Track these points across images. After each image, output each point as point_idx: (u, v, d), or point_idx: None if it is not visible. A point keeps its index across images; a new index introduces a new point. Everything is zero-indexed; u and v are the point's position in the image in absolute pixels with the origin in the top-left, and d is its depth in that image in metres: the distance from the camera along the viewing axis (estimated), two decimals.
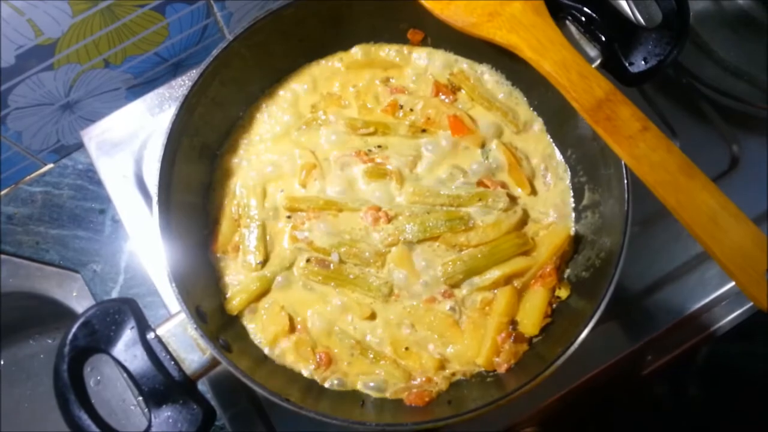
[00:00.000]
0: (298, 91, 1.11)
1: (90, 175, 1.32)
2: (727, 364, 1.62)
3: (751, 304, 1.32)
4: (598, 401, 1.30)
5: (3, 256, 1.29)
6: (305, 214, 1.02)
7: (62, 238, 1.29)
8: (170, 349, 0.85)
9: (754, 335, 1.51)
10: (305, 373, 0.97)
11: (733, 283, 1.14)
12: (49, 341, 1.45)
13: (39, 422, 1.40)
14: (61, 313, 1.29)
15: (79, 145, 1.32)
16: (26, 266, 1.29)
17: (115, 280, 1.27)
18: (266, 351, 0.99)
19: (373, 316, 0.99)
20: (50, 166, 1.35)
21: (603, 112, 0.83)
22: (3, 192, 1.33)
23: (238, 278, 1.02)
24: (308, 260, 1.00)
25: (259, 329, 1.00)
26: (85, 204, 1.31)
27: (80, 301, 1.28)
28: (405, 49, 1.12)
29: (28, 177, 1.33)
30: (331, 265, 1.00)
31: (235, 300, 0.99)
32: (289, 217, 1.03)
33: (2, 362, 1.44)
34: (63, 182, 1.33)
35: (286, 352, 0.98)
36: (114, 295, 1.25)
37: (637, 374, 1.23)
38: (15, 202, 1.32)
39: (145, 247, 1.21)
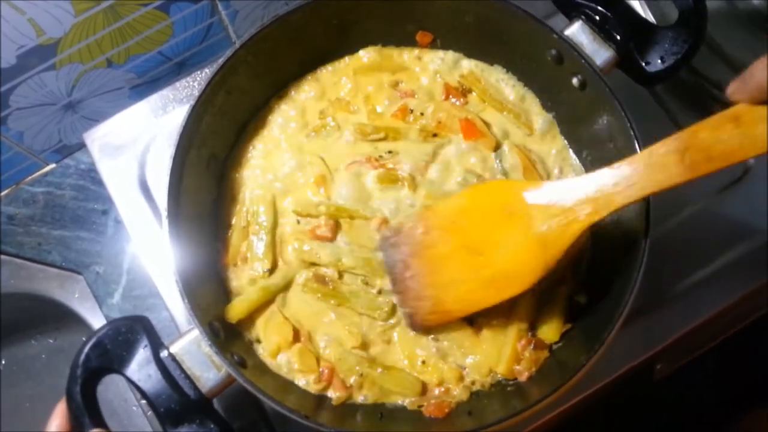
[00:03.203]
0: (305, 97, 1.09)
1: (92, 175, 1.30)
2: (738, 370, 1.62)
3: (761, 312, 1.32)
4: (609, 408, 1.29)
5: (4, 257, 1.27)
6: (315, 222, 1.01)
7: (64, 239, 1.28)
8: (184, 367, 0.83)
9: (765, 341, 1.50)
10: (317, 387, 0.95)
11: (743, 291, 1.14)
12: (51, 341, 1.44)
13: (40, 422, 1.38)
14: (63, 314, 1.28)
15: (81, 145, 1.30)
16: (28, 267, 1.27)
17: (118, 282, 1.25)
18: (269, 363, 0.97)
19: (364, 346, 0.97)
20: (52, 166, 1.33)
21: (697, 162, 0.74)
22: (4, 192, 1.31)
23: (246, 288, 1.00)
24: (308, 277, 0.99)
25: (263, 340, 0.98)
26: (87, 205, 1.29)
27: (82, 303, 1.26)
28: (414, 51, 1.10)
29: (29, 177, 1.32)
30: (330, 284, 0.99)
31: (235, 308, 0.97)
32: (298, 222, 1.02)
33: (3, 362, 1.42)
34: (65, 182, 1.31)
35: (293, 364, 0.96)
36: (116, 297, 1.24)
37: (648, 381, 1.23)
38: (16, 202, 1.30)
39: (148, 250, 1.20)
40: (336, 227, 1.00)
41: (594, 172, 0.81)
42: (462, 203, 0.94)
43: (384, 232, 0.97)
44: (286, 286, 1.00)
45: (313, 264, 1.00)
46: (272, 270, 1.00)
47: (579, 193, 0.81)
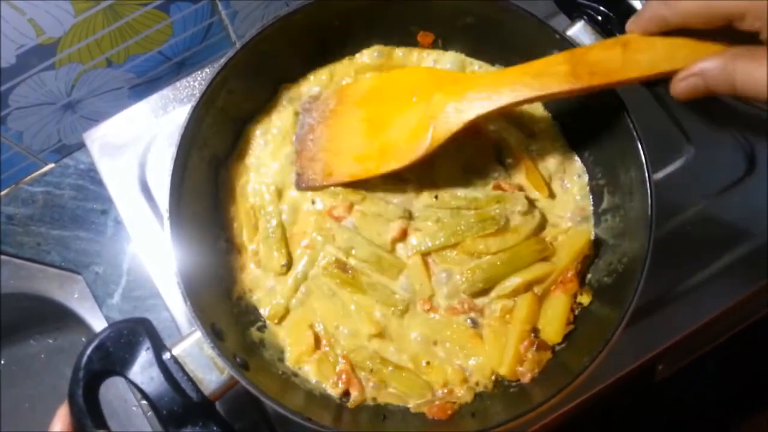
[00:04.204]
0: (307, 97, 1.07)
1: (92, 175, 1.30)
2: (739, 372, 1.62)
3: (761, 313, 1.32)
4: (610, 408, 1.29)
5: (4, 257, 1.27)
6: (330, 203, 1.01)
7: (63, 239, 1.27)
8: (187, 369, 0.83)
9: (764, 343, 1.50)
10: (324, 390, 0.95)
11: (745, 292, 1.14)
12: (50, 341, 1.44)
13: (39, 422, 1.38)
14: (63, 314, 1.28)
15: (81, 145, 1.30)
16: (27, 267, 1.27)
17: (118, 282, 1.25)
18: (290, 368, 0.97)
19: (381, 335, 0.97)
20: (51, 165, 1.33)
21: (582, 74, 0.83)
22: (3, 192, 1.30)
23: (264, 286, 1.00)
24: (330, 261, 0.99)
25: (285, 344, 0.98)
26: (86, 204, 1.29)
27: (82, 303, 1.26)
28: (415, 51, 1.09)
29: (28, 177, 1.31)
30: (350, 272, 0.98)
31: (272, 310, 0.99)
32: (313, 202, 1.02)
33: (3, 362, 1.42)
34: (64, 182, 1.31)
35: (307, 368, 0.96)
36: (116, 297, 1.24)
37: (649, 381, 1.23)
38: (15, 202, 1.30)
39: (148, 250, 1.20)
40: (351, 209, 1.01)
41: (493, 70, 0.94)
42: (378, 82, 1.04)
43: (304, 100, 1.06)
44: (306, 279, 1.00)
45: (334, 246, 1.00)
46: (289, 265, 1.00)
47: (476, 86, 0.90)
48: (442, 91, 0.92)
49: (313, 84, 1.08)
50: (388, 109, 0.98)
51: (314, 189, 1.02)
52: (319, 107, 1.03)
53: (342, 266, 0.98)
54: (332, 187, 1.01)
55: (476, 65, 1.09)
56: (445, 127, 0.91)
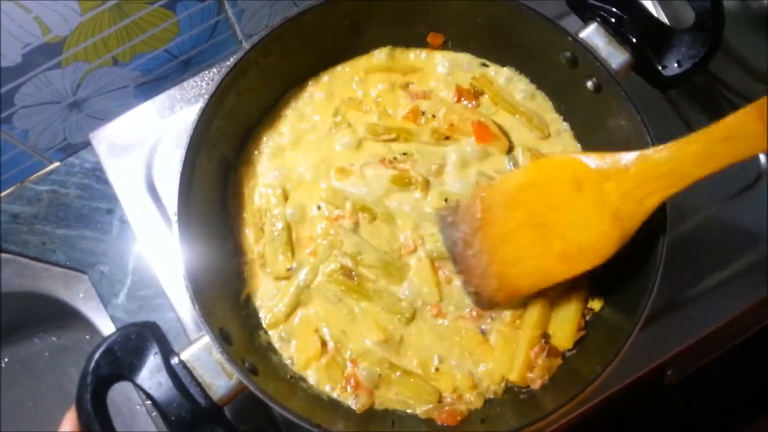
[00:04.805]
0: (316, 97, 1.07)
1: (97, 174, 1.29)
2: (747, 377, 1.61)
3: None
4: (618, 413, 1.28)
5: (8, 256, 1.26)
6: (338, 212, 1.00)
7: (69, 238, 1.27)
8: (196, 374, 0.82)
9: None
10: (333, 394, 0.95)
11: (755, 298, 1.13)
12: (54, 339, 1.43)
13: (42, 421, 1.38)
14: (67, 312, 1.27)
15: (86, 144, 1.29)
16: (32, 266, 1.26)
17: (123, 282, 1.24)
18: (298, 373, 0.96)
19: (389, 341, 0.96)
20: (57, 164, 1.32)
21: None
22: (8, 191, 1.30)
23: (268, 290, 1.00)
24: (335, 269, 0.98)
25: (292, 351, 0.97)
26: (92, 203, 1.28)
27: (87, 303, 1.25)
28: (425, 53, 1.09)
29: (34, 175, 1.31)
30: (355, 279, 0.97)
31: (272, 317, 0.98)
32: (319, 207, 1.01)
33: (6, 360, 1.41)
34: (70, 181, 1.30)
35: (316, 373, 0.96)
36: (121, 297, 1.23)
37: (658, 386, 1.22)
38: (20, 200, 1.29)
39: (154, 250, 1.19)
40: (357, 225, 1.00)
41: (668, 144, 0.80)
42: (523, 178, 0.92)
43: (441, 212, 0.96)
44: (312, 283, 0.99)
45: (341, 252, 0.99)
46: (293, 268, 1.00)
47: (653, 167, 0.80)
48: (614, 180, 0.82)
49: (321, 85, 1.08)
50: (551, 206, 0.88)
51: (500, 307, 0.96)
52: (465, 218, 0.92)
53: (347, 273, 0.98)
54: (340, 195, 1.01)
55: (487, 67, 1.08)
56: (632, 220, 0.83)
